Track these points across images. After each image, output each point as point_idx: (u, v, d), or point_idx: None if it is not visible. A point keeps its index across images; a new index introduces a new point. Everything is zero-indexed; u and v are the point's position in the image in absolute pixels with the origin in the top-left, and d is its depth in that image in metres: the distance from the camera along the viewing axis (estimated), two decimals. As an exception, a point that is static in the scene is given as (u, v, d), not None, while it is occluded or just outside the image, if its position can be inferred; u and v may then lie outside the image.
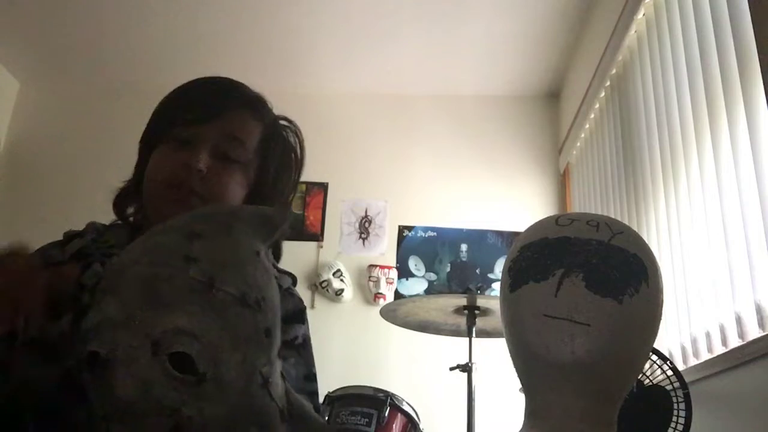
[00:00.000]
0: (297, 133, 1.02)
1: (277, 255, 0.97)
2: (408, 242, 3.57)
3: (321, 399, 2.23)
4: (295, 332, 0.89)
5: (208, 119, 0.90)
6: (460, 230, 3.56)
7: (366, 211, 3.65)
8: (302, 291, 3.41)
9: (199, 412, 0.51)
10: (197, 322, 0.53)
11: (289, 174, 1.00)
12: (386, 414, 2.17)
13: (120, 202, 0.98)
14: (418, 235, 3.58)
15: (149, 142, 0.95)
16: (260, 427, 0.56)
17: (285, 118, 1.01)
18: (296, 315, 0.92)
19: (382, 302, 3.27)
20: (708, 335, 1.75)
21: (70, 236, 0.91)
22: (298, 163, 1.02)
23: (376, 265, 3.48)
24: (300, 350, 0.89)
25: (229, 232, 0.62)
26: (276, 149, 0.97)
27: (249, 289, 0.58)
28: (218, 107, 0.92)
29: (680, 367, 1.79)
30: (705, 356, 1.76)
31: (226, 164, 0.90)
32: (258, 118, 0.95)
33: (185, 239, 0.59)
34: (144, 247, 0.60)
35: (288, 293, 0.92)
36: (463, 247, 3.53)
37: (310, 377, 0.90)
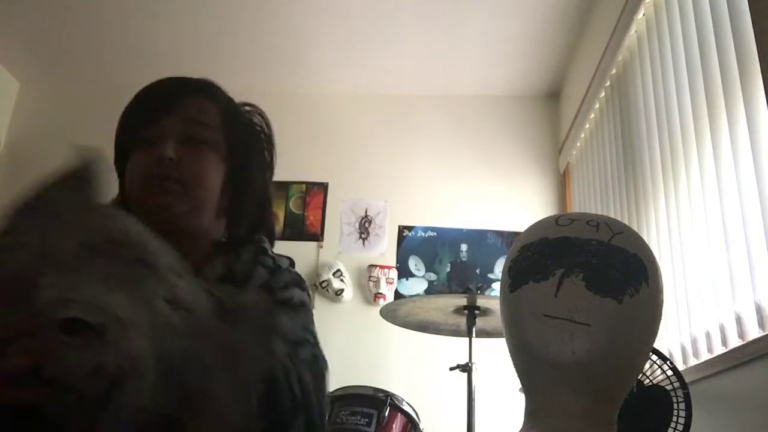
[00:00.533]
0: (261, 114, 1.05)
1: (270, 237, 1.03)
2: (408, 242, 3.57)
3: (321, 399, 2.23)
4: (291, 293, 0.93)
5: (167, 112, 0.92)
6: (460, 230, 3.56)
7: (366, 211, 3.65)
8: (302, 291, 3.41)
9: (114, 360, 0.51)
10: (73, 286, 0.53)
11: (259, 150, 1.03)
12: (386, 414, 2.17)
13: None
14: (418, 235, 3.58)
15: (120, 158, 0.97)
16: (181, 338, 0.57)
17: (246, 103, 1.04)
18: (295, 282, 0.96)
19: (382, 302, 3.27)
20: (708, 335, 1.75)
21: None
22: (269, 142, 1.05)
23: (376, 265, 3.48)
24: (296, 308, 0.93)
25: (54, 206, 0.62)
26: (239, 125, 0.99)
27: (93, 237, 0.58)
28: (172, 99, 0.94)
29: (680, 367, 1.79)
30: (705, 356, 1.76)
31: (194, 146, 0.92)
32: (213, 99, 0.97)
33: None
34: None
35: (284, 271, 0.97)
36: (463, 247, 3.53)
37: (308, 330, 0.93)
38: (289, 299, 0.92)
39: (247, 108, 1.04)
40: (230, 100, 1.01)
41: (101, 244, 0.58)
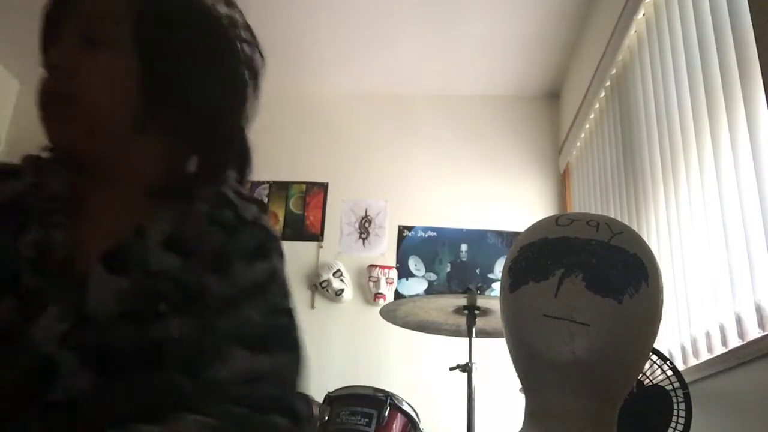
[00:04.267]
0: (231, 3, 0.82)
1: (242, 171, 0.81)
2: (408, 242, 3.57)
3: (321, 399, 2.23)
4: (253, 275, 0.74)
5: (65, 15, 0.72)
6: (460, 230, 3.56)
7: (366, 211, 3.65)
8: (302, 291, 3.41)
9: None
10: None
11: (207, 47, 0.76)
12: (386, 414, 2.17)
13: None
14: (418, 235, 3.58)
15: None
16: None
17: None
18: (259, 247, 0.75)
19: (382, 302, 3.27)
20: (708, 335, 1.75)
21: (3, 171, 0.75)
22: (241, 40, 0.81)
23: (376, 265, 3.48)
24: (262, 290, 0.74)
25: None
26: (164, 13, 0.73)
27: None
28: None
29: (680, 367, 1.79)
30: (705, 356, 1.76)
31: (85, 49, 0.70)
32: None
33: None
34: None
35: (248, 225, 0.76)
36: (463, 247, 3.53)
37: (280, 311, 0.75)
38: (253, 283, 0.73)
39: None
40: None
41: None
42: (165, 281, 0.69)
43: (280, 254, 0.79)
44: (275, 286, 0.76)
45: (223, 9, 0.80)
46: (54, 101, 0.69)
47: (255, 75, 0.81)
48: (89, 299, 0.66)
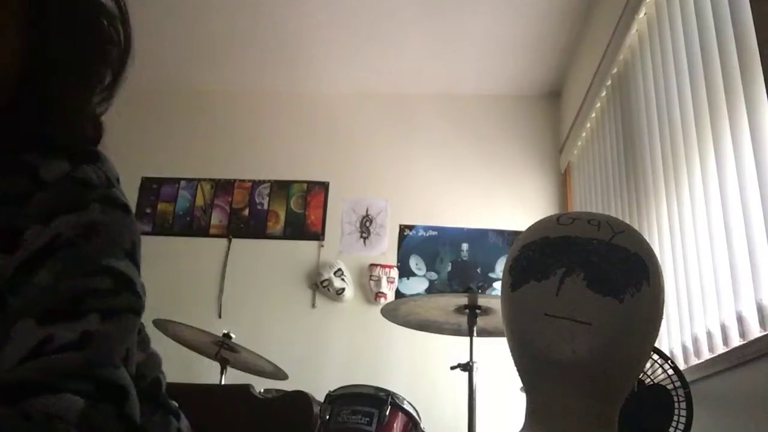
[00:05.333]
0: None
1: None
2: (409, 241, 3.57)
3: (322, 398, 2.23)
4: (51, 233, 0.60)
5: None
6: (461, 229, 3.56)
7: (367, 211, 3.65)
8: (303, 290, 3.41)
9: None
10: None
11: (84, 33, 0.72)
12: (387, 413, 2.17)
13: None
14: (419, 234, 3.58)
15: None
16: None
17: None
18: (61, 207, 0.62)
19: (383, 301, 3.27)
20: (709, 334, 1.75)
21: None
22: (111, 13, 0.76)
23: (377, 264, 3.49)
24: (65, 246, 0.60)
25: None
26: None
27: None
28: None
29: (681, 366, 1.79)
30: (706, 355, 1.76)
31: None
32: None
33: None
34: None
35: (48, 186, 0.63)
36: (464, 246, 3.53)
37: (93, 271, 0.60)
38: (50, 242, 0.59)
39: None
40: None
41: None
42: None
43: (111, 205, 0.64)
44: (92, 242, 0.61)
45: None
46: None
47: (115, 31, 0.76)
48: None
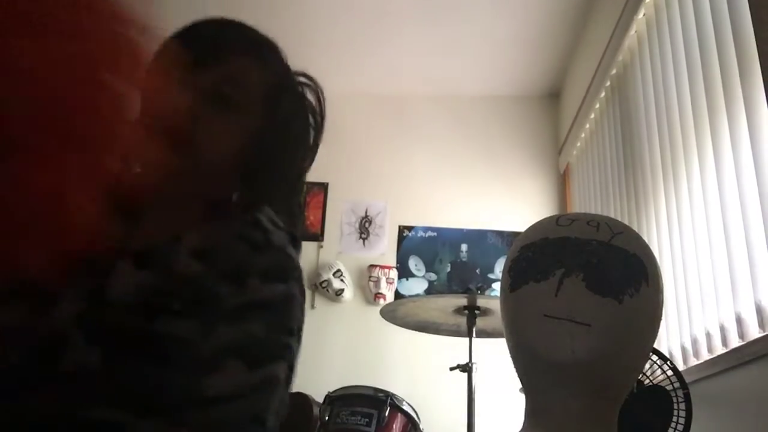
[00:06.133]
0: (318, 92, 0.97)
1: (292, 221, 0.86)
2: (408, 242, 3.57)
3: (321, 399, 2.23)
4: (267, 293, 0.74)
5: (204, 62, 0.82)
6: (460, 230, 3.56)
7: (366, 211, 3.65)
8: (302, 291, 3.41)
9: None
10: None
11: (302, 133, 0.92)
12: (386, 414, 2.17)
13: None
14: (418, 235, 3.58)
15: None
16: None
17: (305, 75, 0.96)
18: (276, 273, 0.75)
19: (382, 302, 3.27)
20: (708, 335, 1.75)
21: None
22: (318, 126, 0.95)
23: (376, 265, 3.48)
24: (273, 309, 0.74)
25: None
26: (286, 101, 0.89)
27: None
28: (218, 49, 0.85)
29: (680, 367, 1.79)
30: (705, 356, 1.76)
31: (220, 107, 0.80)
32: (263, 64, 0.89)
33: None
34: None
35: (273, 248, 0.78)
36: (464, 247, 3.53)
37: (285, 331, 0.74)
38: (265, 301, 0.73)
39: (304, 80, 0.96)
40: (287, 70, 0.96)
41: None
42: (183, 282, 0.72)
43: (300, 285, 0.78)
44: (288, 310, 0.75)
45: (311, 96, 0.97)
46: (166, 132, 0.72)
47: (318, 128, 0.95)
48: (110, 286, 0.70)
